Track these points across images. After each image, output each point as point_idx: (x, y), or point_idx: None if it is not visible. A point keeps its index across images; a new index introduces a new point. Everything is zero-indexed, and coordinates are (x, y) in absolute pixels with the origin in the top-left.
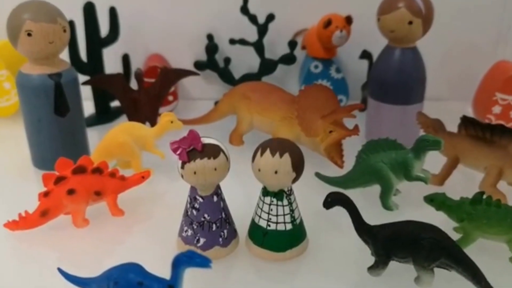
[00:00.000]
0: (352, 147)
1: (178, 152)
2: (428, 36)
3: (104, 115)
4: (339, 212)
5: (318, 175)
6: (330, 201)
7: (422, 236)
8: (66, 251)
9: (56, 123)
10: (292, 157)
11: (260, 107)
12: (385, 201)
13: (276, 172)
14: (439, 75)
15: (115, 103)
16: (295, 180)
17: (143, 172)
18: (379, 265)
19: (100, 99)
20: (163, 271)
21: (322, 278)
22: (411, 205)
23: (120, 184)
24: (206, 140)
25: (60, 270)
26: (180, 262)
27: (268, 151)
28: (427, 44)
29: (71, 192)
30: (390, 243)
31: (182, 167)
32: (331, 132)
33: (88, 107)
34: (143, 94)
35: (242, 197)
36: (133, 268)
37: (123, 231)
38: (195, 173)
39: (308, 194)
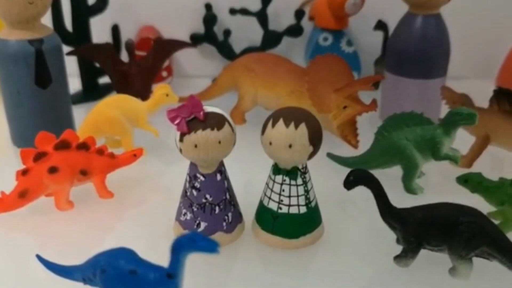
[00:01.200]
0: (366, 126)
1: (176, 122)
2: (451, 5)
3: (92, 92)
4: (357, 194)
5: (330, 155)
6: (352, 180)
7: (460, 220)
8: (48, 237)
9: (37, 95)
10: (309, 128)
11: (266, 81)
12: (409, 183)
13: (290, 146)
14: (460, 50)
15: (104, 79)
16: (312, 155)
17: (135, 150)
18: (408, 254)
19: (88, 75)
20: (158, 261)
21: (339, 268)
22: (435, 189)
23: (109, 163)
24: (209, 109)
25: (38, 257)
26: (181, 247)
27: (281, 122)
28: (450, 14)
29: (53, 170)
30: (422, 228)
31: (181, 140)
32: (346, 107)
33: (75, 84)
34: (134, 67)
35: (249, 176)
36: (124, 254)
37: (113, 216)
38: (196, 146)
39: (319, 177)
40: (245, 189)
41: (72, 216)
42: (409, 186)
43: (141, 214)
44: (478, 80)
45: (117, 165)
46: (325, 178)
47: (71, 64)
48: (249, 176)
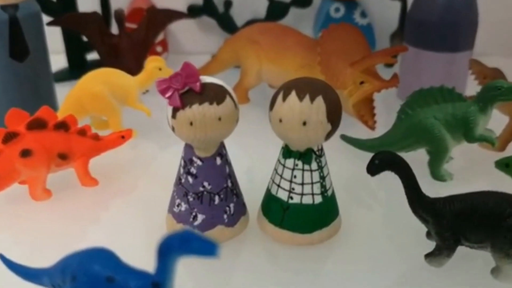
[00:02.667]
0: (381, 106)
1: (167, 95)
2: None
3: (78, 69)
4: (378, 181)
5: (344, 137)
6: (378, 164)
7: (508, 212)
8: (21, 231)
9: (12, 69)
10: (326, 101)
11: (272, 53)
12: (436, 169)
13: (304, 123)
14: (485, 24)
15: (93, 56)
16: (330, 134)
17: (124, 131)
18: (442, 252)
19: (74, 50)
20: (148, 261)
21: (359, 268)
22: (461, 175)
23: (93, 145)
24: (206, 79)
25: (2, 257)
26: (170, 248)
27: (293, 94)
28: None
29: (26, 153)
30: (461, 222)
31: (174, 116)
32: (363, 83)
33: (60, 61)
34: (124, 40)
35: (254, 160)
36: (100, 256)
37: (97, 206)
38: (191, 124)
39: (333, 162)
40: (249, 175)
41: (49, 207)
42: (437, 172)
43: (129, 205)
44: (502, 57)
45: (102, 148)
46: (340, 163)
47: (56, 38)
48: (254, 160)
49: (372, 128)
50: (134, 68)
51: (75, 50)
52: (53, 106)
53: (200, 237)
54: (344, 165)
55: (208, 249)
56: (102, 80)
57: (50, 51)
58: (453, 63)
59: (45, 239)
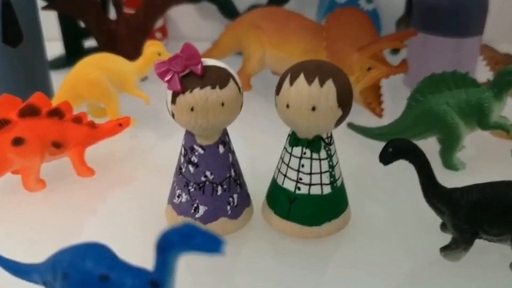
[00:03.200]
0: (387, 93)
1: (167, 78)
2: None
3: (75, 56)
4: (388, 170)
5: (352, 126)
6: (392, 152)
7: None
8: (15, 223)
9: (5, 55)
10: (337, 85)
11: (275, 39)
12: (449, 157)
13: (313, 109)
14: (496, 10)
15: (91, 43)
16: (340, 120)
17: (121, 118)
18: (459, 245)
19: (71, 37)
20: (148, 255)
21: (370, 262)
22: (477, 164)
23: (89, 133)
24: (208, 62)
25: None
26: (169, 244)
27: (302, 78)
28: None
29: (18, 142)
30: (479, 213)
31: (173, 101)
32: (370, 69)
33: (57, 48)
34: (123, 25)
35: (258, 148)
36: (94, 252)
37: (93, 198)
38: (192, 109)
39: (340, 150)
40: (253, 164)
41: (43, 198)
42: (449, 161)
43: (128, 196)
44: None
45: (98, 136)
46: (347, 152)
47: (52, 24)
48: (259, 149)
49: (380, 115)
50: (132, 55)
51: (71, 36)
52: (49, 94)
53: (203, 232)
54: (352, 154)
55: (212, 245)
56: (99, 65)
57: (46, 38)
58: (462, 48)
59: (38, 232)
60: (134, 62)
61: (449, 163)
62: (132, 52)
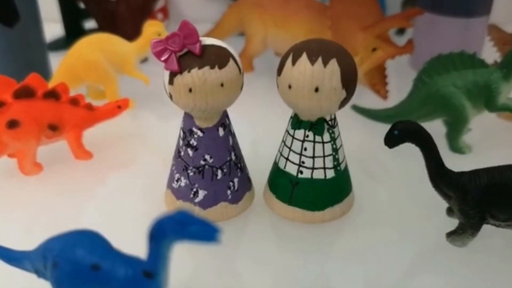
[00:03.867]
0: (392, 75)
1: (164, 58)
2: None
3: (75, 38)
4: (392, 153)
5: (356, 108)
6: (398, 135)
7: None
8: (12, 208)
9: (1, 35)
10: (341, 65)
11: (278, 18)
12: (455, 140)
13: (316, 90)
14: None
15: (91, 24)
16: (344, 102)
17: (120, 100)
18: (467, 230)
19: (70, 18)
20: (146, 241)
21: (374, 248)
22: (482, 147)
23: (86, 115)
24: (207, 41)
25: None
26: (162, 233)
27: (304, 57)
28: None
29: (13, 124)
30: (488, 198)
31: (171, 82)
32: (375, 50)
33: (56, 30)
34: (122, 6)
35: (259, 131)
36: (85, 240)
37: (91, 182)
38: (190, 90)
39: (343, 133)
40: (254, 147)
41: (40, 182)
42: (455, 144)
43: (126, 180)
44: None
45: (96, 118)
46: (350, 134)
47: (51, 5)
48: (260, 131)
49: (385, 97)
50: (132, 35)
51: (71, 17)
52: (47, 75)
53: (198, 220)
54: (355, 137)
55: (207, 233)
56: (98, 46)
57: (45, 19)
58: (468, 28)
59: (35, 216)
60: (133, 42)
61: (455, 146)
62: (132, 33)
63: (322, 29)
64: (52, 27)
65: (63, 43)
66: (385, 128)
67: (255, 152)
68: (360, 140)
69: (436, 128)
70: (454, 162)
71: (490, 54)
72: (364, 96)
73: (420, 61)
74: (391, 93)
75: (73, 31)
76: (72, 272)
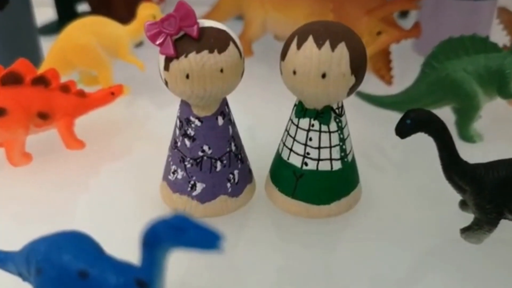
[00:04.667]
0: (396, 60)
1: (159, 41)
2: None
3: (68, 22)
4: (398, 144)
5: (360, 94)
6: (411, 124)
7: None
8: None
9: None
10: (350, 49)
11: (278, 0)
12: (465, 128)
13: (323, 76)
14: None
15: (84, 7)
16: (352, 89)
17: (113, 87)
18: (483, 226)
19: (63, 1)
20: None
21: (382, 243)
22: (493, 135)
23: (78, 103)
24: (205, 23)
25: None
26: (157, 239)
27: (310, 40)
28: None
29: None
30: (505, 192)
31: (166, 68)
32: (380, 33)
33: (48, 14)
34: None
35: (260, 120)
36: (73, 244)
37: (83, 173)
38: (187, 76)
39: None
40: (256, 137)
41: (29, 173)
42: (466, 132)
43: (120, 171)
44: None
45: (88, 106)
46: (355, 123)
47: None
48: (262, 120)
49: (389, 83)
50: (126, 18)
51: (64, 0)
52: (38, 62)
53: (197, 225)
54: (360, 126)
55: (207, 240)
56: (90, 29)
57: (37, 3)
58: (475, 12)
59: (24, 209)
60: (127, 26)
61: (465, 135)
62: (126, 16)
63: (324, 12)
64: (44, 10)
65: (55, 27)
66: (391, 115)
67: (256, 142)
68: (365, 129)
69: (444, 115)
70: (463, 152)
71: (499, 38)
72: (367, 82)
73: (425, 45)
74: (394, 79)
75: (66, 15)
76: (57, 279)
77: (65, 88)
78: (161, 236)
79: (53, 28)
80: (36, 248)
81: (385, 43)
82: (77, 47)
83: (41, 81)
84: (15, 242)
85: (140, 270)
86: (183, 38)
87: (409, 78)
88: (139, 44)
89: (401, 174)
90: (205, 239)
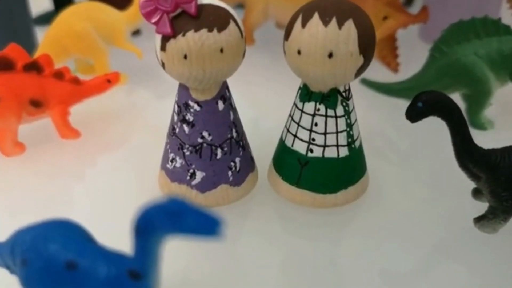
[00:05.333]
0: (401, 46)
1: (155, 19)
2: None
3: None
4: (406, 130)
5: (365, 81)
6: (423, 107)
7: None
8: None
9: None
10: (358, 27)
11: None
12: (476, 115)
13: (330, 55)
14: None
15: None
16: (361, 70)
17: (110, 74)
18: (498, 215)
19: None
20: None
21: (391, 233)
22: (505, 122)
23: (72, 90)
24: (204, 0)
25: None
26: (151, 226)
27: (316, 18)
28: None
29: None
30: None
31: (163, 48)
32: (386, 18)
33: (44, 3)
34: None
35: (263, 105)
36: (60, 233)
37: (78, 163)
38: (185, 57)
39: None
40: (258, 123)
41: (22, 163)
42: (476, 119)
43: (116, 161)
44: None
45: (83, 94)
46: (360, 110)
47: None
48: (264, 105)
49: (395, 70)
50: (123, 4)
51: None
52: (32, 50)
53: (195, 209)
54: (365, 113)
55: (206, 225)
56: (85, 15)
57: None
58: None
59: (18, 201)
60: (124, 11)
61: (476, 122)
62: (122, 1)
63: None
64: (40, 0)
65: (51, 17)
66: (398, 102)
67: (259, 128)
68: (371, 116)
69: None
70: (474, 139)
71: (508, 22)
72: (372, 69)
73: (431, 31)
74: (401, 66)
75: (62, 4)
76: (43, 271)
77: (59, 75)
78: (155, 223)
79: (49, 18)
80: (21, 238)
81: (391, 28)
82: (72, 33)
83: (34, 67)
84: (7, 234)
85: (133, 260)
86: (181, 16)
87: (415, 66)
88: (137, 33)
89: (409, 162)
90: (203, 224)
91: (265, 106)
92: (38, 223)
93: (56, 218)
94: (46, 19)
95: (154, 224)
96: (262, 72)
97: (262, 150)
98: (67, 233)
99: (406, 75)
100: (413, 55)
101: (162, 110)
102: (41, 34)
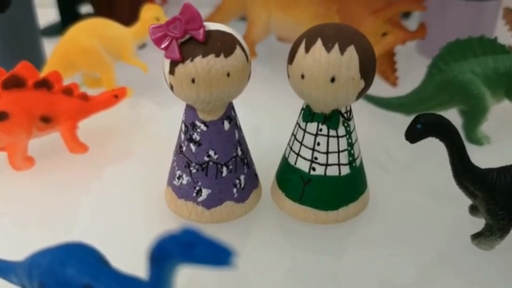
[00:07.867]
0: (399, 61)
1: (164, 45)
2: None
3: (70, 23)
4: (405, 147)
5: (366, 96)
6: (421, 129)
7: None
8: (1, 205)
9: None
10: (360, 53)
11: (282, 1)
12: (472, 131)
13: (333, 80)
14: None
15: (86, 9)
16: (362, 93)
17: (117, 89)
18: (495, 233)
19: (65, 2)
20: (144, 242)
21: (391, 249)
22: (500, 138)
23: (81, 106)
24: (211, 26)
25: None
26: (165, 256)
27: (319, 43)
28: None
29: (2, 116)
30: None
31: (172, 72)
32: (385, 35)
33: (51, 15)
34: None
35: (266, 124)
36: (77, 257)
37: (87, 177)
38: (193, 81)
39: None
40: (261, 141)
41: (32, 177)
42: (473, 135)
43: (124, 175)
44: None
45: (91, 109)
46: (360, 125)
47: None
48: (267, 125)
49: (394, 84)
50: (129, 20)
51: (66, 1)
52: (40, 64)
53: (207, 240)
54: (365, 128)
55: (218, 256)
56: (93, 32)
57: (39, 4)
58: (481, 11)
59: (28, 215)
60: (130, 28)
61: (472, 137)
62: (129, 18)
63: (329, 13)
64: (47, 12)
65: (58, 29)
66: (397, 117)
67: (262, 146)
68: (370, 131)
69: (450, 118)
70: (470, 154)
71: (504, 39)
72: (373, 84)
73: (429, 46)
74: (399, 80)
75: (68, 16)
76: None
77: (68, 91)
78: (170, 252)
79: (56, 30)
80: (38, 261)
81: (390, 44)
82: (80, 50)
83: (44, 84)
84: (18, 247)
85: (148, 286)
86: (189, 42)
87: (413, 80)
88: (142, 46)
89: (409, 177)
90: (216, 255)
91: (267, 122)
92: (54, 246)
93: (72, 241)
94: (53, 30)
95: (168, 253)
96: (264, 85)
97: (266, 167)
98: (83, 257)
99: (404, 88)
100: (411, 69)
101: (167, 123)
102: (48, 45)
